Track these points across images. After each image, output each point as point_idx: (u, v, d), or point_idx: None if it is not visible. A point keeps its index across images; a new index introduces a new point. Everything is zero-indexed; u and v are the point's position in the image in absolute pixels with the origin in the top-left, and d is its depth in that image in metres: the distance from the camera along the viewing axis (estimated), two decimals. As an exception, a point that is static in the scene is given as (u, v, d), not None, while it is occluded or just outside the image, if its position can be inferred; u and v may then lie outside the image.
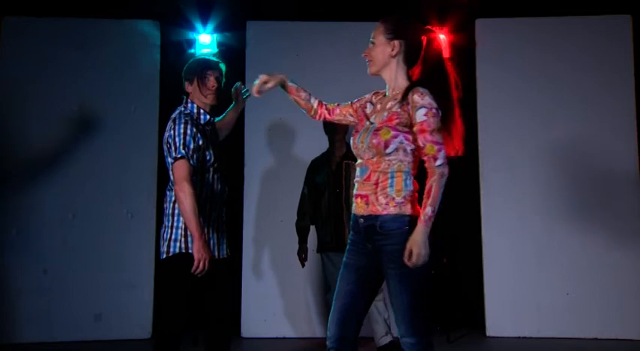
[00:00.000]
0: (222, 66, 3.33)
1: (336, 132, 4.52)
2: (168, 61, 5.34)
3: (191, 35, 5.45)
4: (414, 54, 2.65)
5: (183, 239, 3.13)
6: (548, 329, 4.99)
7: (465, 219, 5.35)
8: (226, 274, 3.26)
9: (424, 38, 2.67)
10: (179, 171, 3.05)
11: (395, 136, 2.54)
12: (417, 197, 2.58)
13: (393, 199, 2.54)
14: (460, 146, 2.61)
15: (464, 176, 5.37)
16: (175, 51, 5.44)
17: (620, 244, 4.97)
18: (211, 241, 3.16)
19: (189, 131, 3.09)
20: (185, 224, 3.10)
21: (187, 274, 3.04)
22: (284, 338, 5.13)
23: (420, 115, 2.51)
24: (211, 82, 3.25)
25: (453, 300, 5.23)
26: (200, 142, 3.13)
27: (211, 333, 3.24)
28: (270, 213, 5.20)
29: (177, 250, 3.13)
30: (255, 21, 5.37)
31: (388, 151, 2.54)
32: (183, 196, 3.02)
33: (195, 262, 3.00)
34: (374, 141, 2.55)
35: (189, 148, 3.07)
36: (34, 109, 5.03)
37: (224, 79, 3.32)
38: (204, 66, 3.29)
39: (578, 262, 5.02)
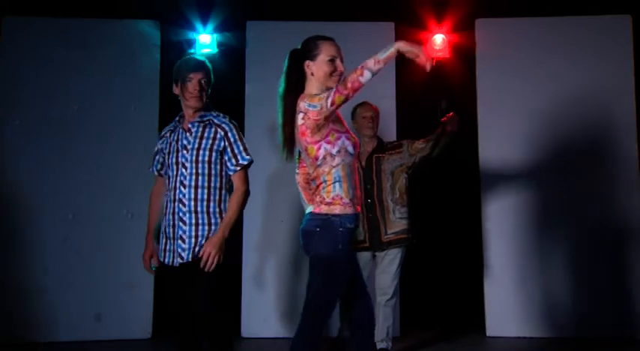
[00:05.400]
0: (207, 66, 3.19)
1: (367, 127, 4.34)
2: (169, 61, 5.33)
3: (191, 35, 5.46)
4: None
5: None
6: (548, 329, 4.99)
7: (465, 219, 5.35)
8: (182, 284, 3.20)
9: None
10: None
11: None
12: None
13: None
14: None
15: (464, 176, 5.39)
16: (175, 51, 5.43)
17: (620, 244, 4.98)
18: (159, 247, 3.31)
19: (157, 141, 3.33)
20: None
21: None
22: (284, 338, 5.12)
23: None
24: (193, 85, 3.13)
25: (453, 300, 5.23)
26: (161, 148, 3.28)
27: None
28: (271, 213, 5.20)
29: None
30: (255, 21, 5.37)
31: None
32: None
33: None
34: None
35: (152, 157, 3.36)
36: (33, 108, 5.03)
37: (212, 80, 3.21)
38: (186, 68, 3.16)
39: (578, 262, 5.02)
